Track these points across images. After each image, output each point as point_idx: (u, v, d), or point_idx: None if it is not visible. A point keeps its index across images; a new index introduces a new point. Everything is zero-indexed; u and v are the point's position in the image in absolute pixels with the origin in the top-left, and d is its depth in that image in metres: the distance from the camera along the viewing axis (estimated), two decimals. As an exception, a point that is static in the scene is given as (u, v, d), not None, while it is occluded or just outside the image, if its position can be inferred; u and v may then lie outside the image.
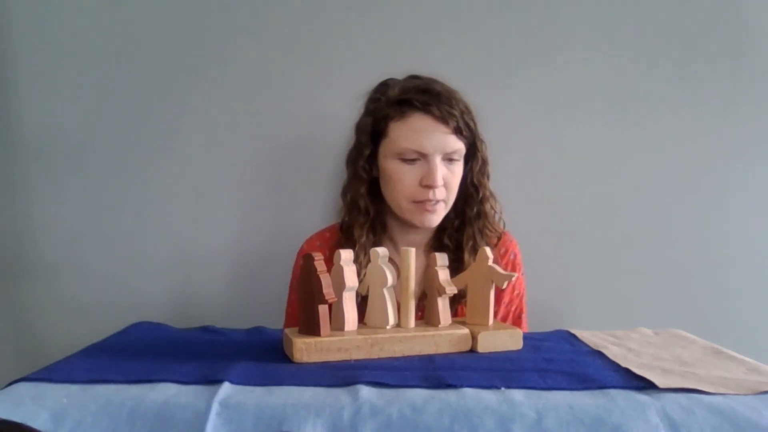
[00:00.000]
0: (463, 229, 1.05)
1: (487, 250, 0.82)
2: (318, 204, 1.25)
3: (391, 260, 0.81)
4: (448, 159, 0.98)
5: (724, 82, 1.25)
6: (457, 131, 0.97)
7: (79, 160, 1.25)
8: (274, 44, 1.24)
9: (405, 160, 0.98)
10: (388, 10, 1.23)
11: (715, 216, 1.27)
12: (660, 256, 1.27)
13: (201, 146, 1.26)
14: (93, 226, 1.26)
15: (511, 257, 1.09)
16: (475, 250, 1.02)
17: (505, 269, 0.97)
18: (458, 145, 0.98)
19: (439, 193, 0.98)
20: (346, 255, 0.77)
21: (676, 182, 1.27)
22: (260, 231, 1.27)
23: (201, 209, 1.27)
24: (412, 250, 0.79)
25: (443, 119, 0.96)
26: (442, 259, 0.82)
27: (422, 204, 0.99)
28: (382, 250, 0.80)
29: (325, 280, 0.72)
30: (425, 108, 0.96)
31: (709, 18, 1.24)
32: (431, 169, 0.96)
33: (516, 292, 1.09)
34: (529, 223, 1.22)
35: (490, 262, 0.81)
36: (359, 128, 1.04)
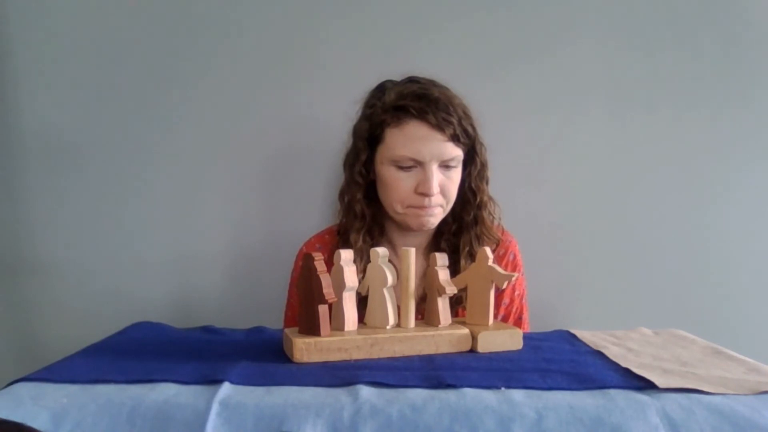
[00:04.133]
0: (461, 234, 1.05)
1: (487, 250, 0.82)
2: (317, 204, 1.25)
3: (390, 263, 0.81)
4: (445, 166, 0.98)
5: (724, 78, 1.25)
6: (455, 138, 0.96)
7: (78, 161, 1.25)
8: (272, 46, 1.24)
9: (401, 167, 0.97)
10: (384, 9, 1.23)
11: (715, 215, 1.27)
12: (660, 256, 1.27)
13: (201, 147, 1.26)
14: (93, 227, 1.26)
15: (511, 257, 1.09)
16: (471, 256, 1.01)
17: (504, 270, 0.97)
18: (455, 152, 0.97)
19: (435, 199, 0.98)
20: (346, 255, 0.77)
21: (677, 182, 1.27)
22: (260, 231, 1.27)
23: (201, 209, 1.27)
24: (412, 250, 0.79)
25: (439, 127, 0.94)
26: (442, 259, 0.82)
27: (418, 208, 0.98)
28: (382, 250, 0.79)
29: (325, 280, 0.72)
30: (421, 115, 0.94)
31: (708, 13, 1.24)
32: (427, 177, 0.95)
33: (516, 292, 1.09)
34: (529, 223, 1.22)
35: (490, 262, 0.81)
36: (356, 132, 1.03)
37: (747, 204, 1.27)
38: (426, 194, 0.96)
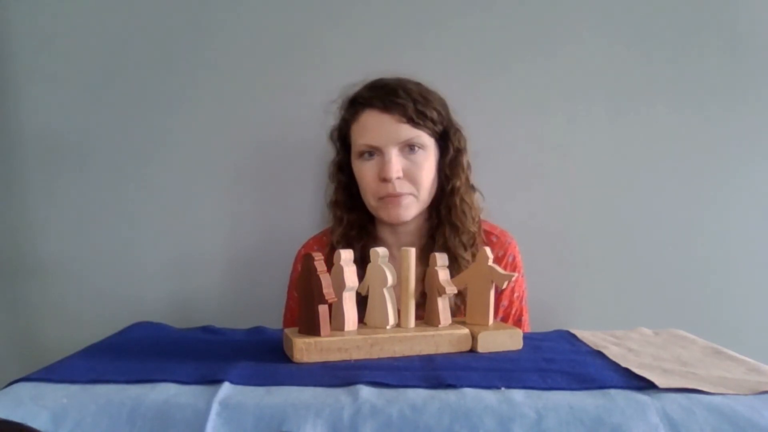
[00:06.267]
0: (439, 227, 1.03)
1: (487, 250, 0.82)
2: (316, 205, 1.25)
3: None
4: (409, 149, 0.98)
5: (723, 78, 1.24)
6: (410, 120, 0.96)
7: (78, 161, 1.25)
8: (270, 47, 1.24)
9: (364, 158, 0.99)
10: (383, 8, 1.23)
11: (715, 215, 1.27)
12: (660, 256, 1.27)
13: (200, 147, 1.26)
14: (92, 227, 1.26)
15: (510, 259, 1.08)
16: (447, 248, 0.99)
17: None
18: (413, 134, 0.97)
19: (400, 185, 0.97)
20: (346, 255, 0.77)
21: (677, 181, 1.27)
22: (259, 231, 1.27)
23: (200, 209, 1.27)
24: (412, 250, 0.79)
25: (388, 109, 0.96)
26: (442, 259, 0.82)
27: (387, 198, 0.98)
28: (382, 250, 0.79)
29: (325, 280, 0.72)
30: (370, 102, 0.97)
31: (708, 13, 1.24)
32: (385, 161, 0.96)
33: (515, 294, 1.08)
34: (529, 223, 1.22)
35: (490, 262, 0.81)
36: (330, 139, 1.08)
37: (747, 204, 1.27)
38: (386, 178, 0.96)
